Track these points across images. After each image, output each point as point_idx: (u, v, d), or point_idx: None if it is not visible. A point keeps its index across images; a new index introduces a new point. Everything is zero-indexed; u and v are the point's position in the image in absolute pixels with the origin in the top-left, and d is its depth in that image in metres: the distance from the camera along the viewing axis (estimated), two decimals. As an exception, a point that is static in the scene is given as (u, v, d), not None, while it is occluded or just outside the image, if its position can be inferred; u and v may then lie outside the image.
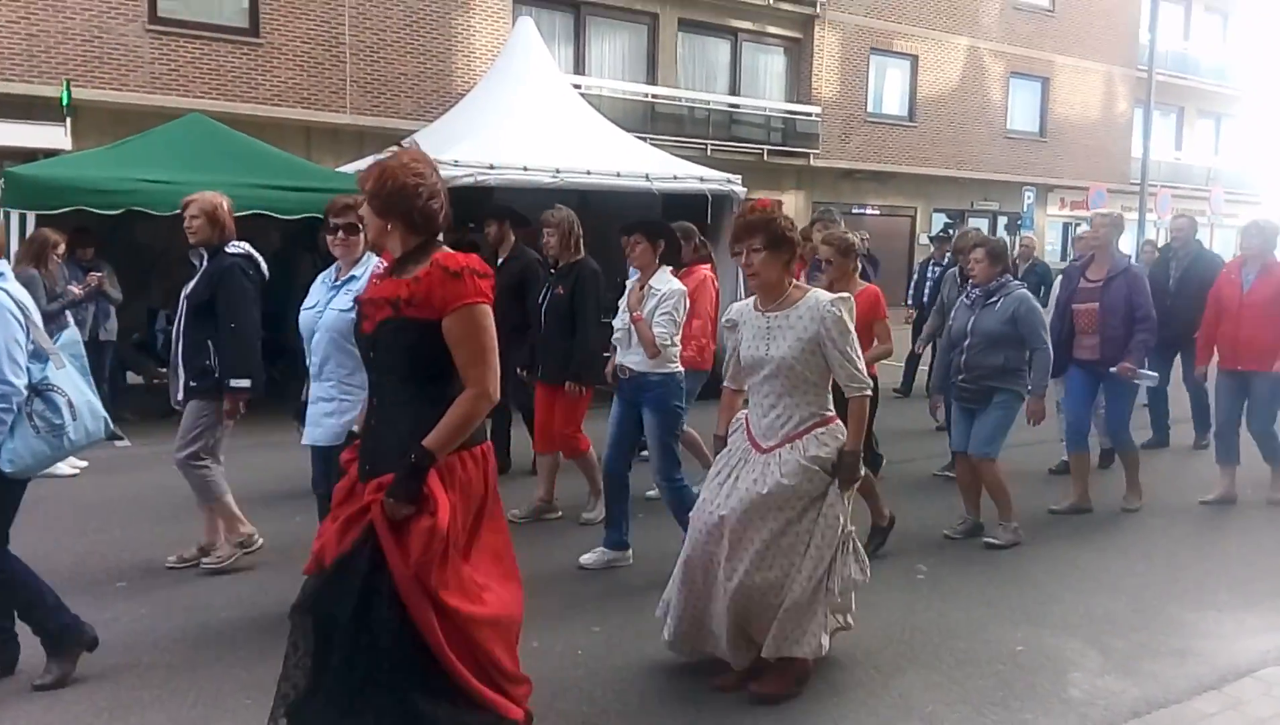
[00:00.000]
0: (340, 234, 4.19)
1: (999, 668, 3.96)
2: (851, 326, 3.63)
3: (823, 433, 3.63)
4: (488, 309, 2.69)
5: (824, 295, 3.69)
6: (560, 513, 6.08)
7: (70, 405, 3.54)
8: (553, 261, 6.00)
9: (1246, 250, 6.62)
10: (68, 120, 12.46)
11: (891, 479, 7.14)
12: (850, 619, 3.95)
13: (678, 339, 5.01)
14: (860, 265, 5.55)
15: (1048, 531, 5.97)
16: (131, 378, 10.09)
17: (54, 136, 12.09)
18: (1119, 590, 4.94)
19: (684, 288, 5.15)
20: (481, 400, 2.67)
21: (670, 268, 5.24)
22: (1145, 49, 22.43)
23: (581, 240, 5.89)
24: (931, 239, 11.94)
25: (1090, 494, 6.43)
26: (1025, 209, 21.47)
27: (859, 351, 3.67)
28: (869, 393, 3.70)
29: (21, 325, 3.43)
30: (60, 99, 12.45)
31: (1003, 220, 23.94)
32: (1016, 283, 5.76)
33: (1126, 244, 25.50)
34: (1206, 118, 30.42)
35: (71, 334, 3.83)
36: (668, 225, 5.76)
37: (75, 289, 7.64)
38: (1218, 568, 5.35)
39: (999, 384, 5.57)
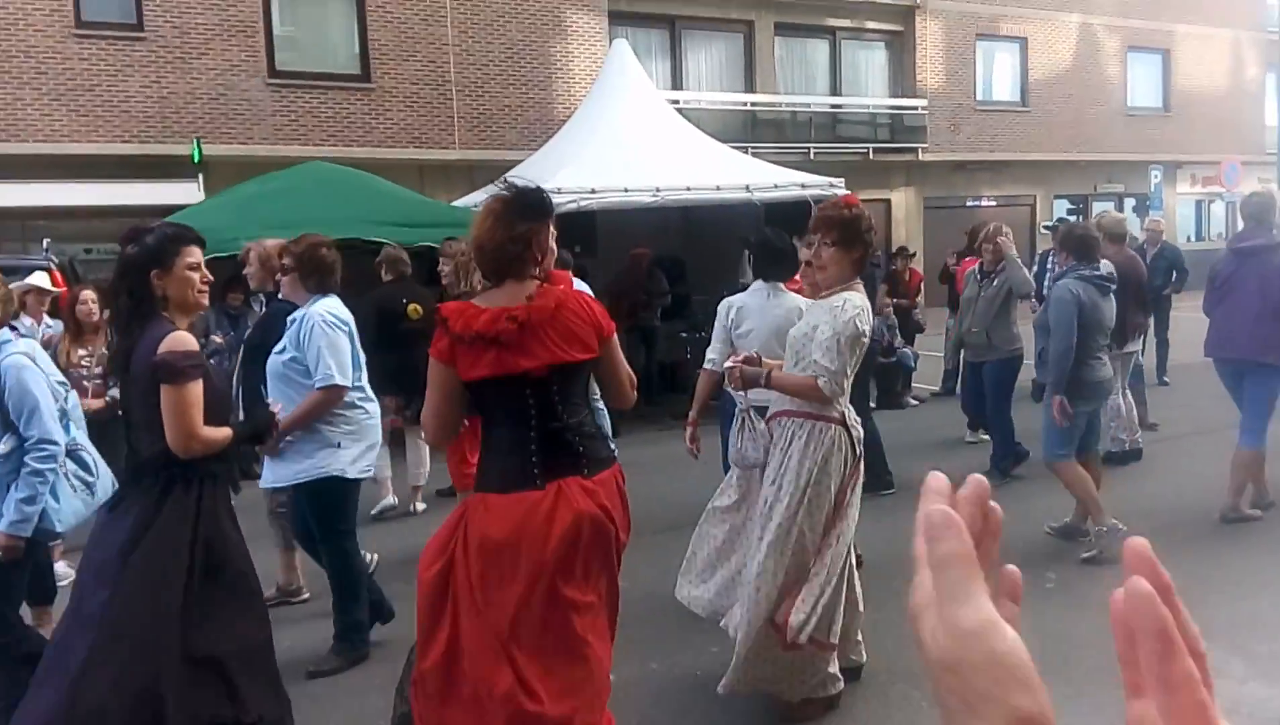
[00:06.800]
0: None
1: (1134, 678, 3.81)
2: (848, 330, 3.52)
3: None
4: (432, 362, 2.82)
5: (857, 299, 3.60)
6: None
7: (96, 462, 3.77)
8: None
9: None
10: (200, 176, 13.24)
11: (1021, 480, 6.95)
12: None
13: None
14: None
15: (1189, 530, 5.70)
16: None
17: (188, 192, 12.85)
18: (1264, 591, 4.69)
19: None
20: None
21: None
22: (1274, 9, 21.17)
23: (477, 272, 5.88)
24: (1048, 228, 11.55)
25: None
26: (1152, 189, 20.48)
27: (846, 352, 3.52)
28: (824, 385, 3.51)
29: (49, 388, 3.61)
30: (191, 156, 13.24)
31: (1130, 202, 22.92)
32: (1077, 271, 5.50)
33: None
34: (1348, 76, 28.45)
35: (73, 397, 4.00)
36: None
37: (218, 338, 8.06)
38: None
39: (1042, 379, 5.56)
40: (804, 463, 3.57)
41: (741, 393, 3.77)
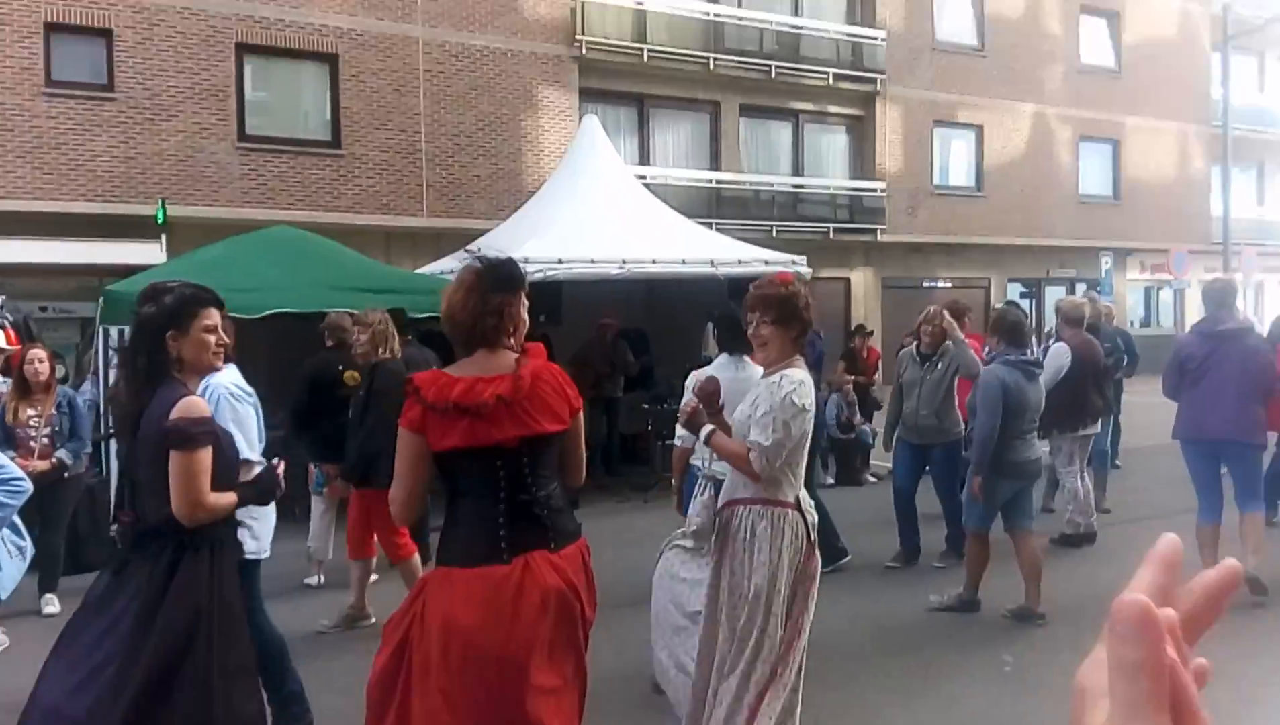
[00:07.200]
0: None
1: (1092, 763, 3.79)
2: (785, 407, 3.46)
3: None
4: (402, 432, 2.77)
5: (796, 374, 3.57)
6: (374, 619, 5.58)
7: (22, 528, 3.65)
8: (363, 363, 5.93)
9: None
10: (163, 236, 13.14)
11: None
12: None
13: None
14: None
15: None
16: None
17: (150, 253, 12.70)
18: (1220, 675, 4.70)
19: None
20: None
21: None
22: (1219, 104, 22.07)
23: (394, 341, 5.86)
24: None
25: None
26: (1103, 275, 21.04)
27: (781, 429, 3.44)
28: (754, 458, 3.45)
29: None
30: (155, 216, 13.15)
31: (1081, 287, 23.49)
32: (1004, 357, 5.78)
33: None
34: (1289, 171, 29.62)
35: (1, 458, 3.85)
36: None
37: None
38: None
39: (970, 457, 5.98)
40: (771, 556, 3.47)
41: (705, 460, 3.75)
